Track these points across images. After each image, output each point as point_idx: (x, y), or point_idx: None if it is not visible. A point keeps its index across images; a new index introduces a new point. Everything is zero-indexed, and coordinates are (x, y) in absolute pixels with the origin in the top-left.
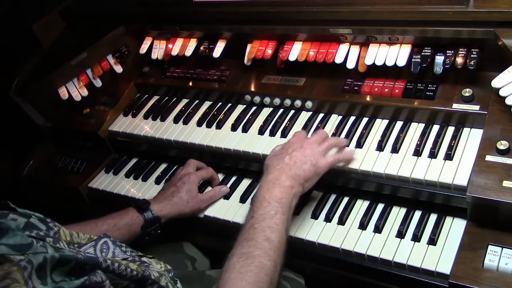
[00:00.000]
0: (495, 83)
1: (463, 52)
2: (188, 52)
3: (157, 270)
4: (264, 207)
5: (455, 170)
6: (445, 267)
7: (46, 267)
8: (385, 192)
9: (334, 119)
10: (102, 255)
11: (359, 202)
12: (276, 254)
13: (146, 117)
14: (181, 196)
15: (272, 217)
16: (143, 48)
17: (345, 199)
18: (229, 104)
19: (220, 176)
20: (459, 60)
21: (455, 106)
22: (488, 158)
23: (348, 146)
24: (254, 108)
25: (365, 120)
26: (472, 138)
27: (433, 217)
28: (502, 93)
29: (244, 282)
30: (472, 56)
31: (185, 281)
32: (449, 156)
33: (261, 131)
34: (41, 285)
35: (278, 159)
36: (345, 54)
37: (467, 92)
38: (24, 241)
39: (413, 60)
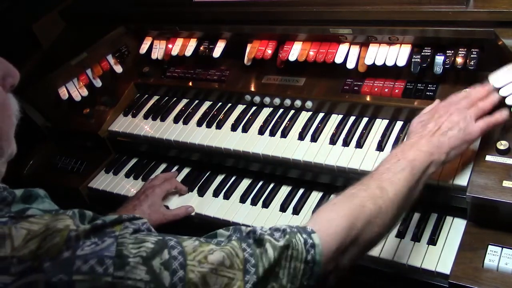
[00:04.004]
0: (493, 78)
1: (463, 52)
2: (188, 52)
3: None
4: (392, 163)
5: (455, 170)
6: (445, 267)
7: (85, 218)
8: None
9: (334, 119)
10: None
11: None
12: (386, 204)
13: (146, 117)
14: (142, 210)
15: (396, 173)
16: (143, 48)
17: None
18: (229, 104)
19: (220, 177)
20: (459, 60)
21: None
22: (488, 158)
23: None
24: (254, 108)
25: (365, 120)
26: None
27: (433, 217)
28: (502, 93)
29: (333, 213)
30: (472, 56)
31: None
32: None
33: (261, 131)
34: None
35: (423, 125)
36: (345, 54)
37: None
38: (52, 207)
39: (413, 60)
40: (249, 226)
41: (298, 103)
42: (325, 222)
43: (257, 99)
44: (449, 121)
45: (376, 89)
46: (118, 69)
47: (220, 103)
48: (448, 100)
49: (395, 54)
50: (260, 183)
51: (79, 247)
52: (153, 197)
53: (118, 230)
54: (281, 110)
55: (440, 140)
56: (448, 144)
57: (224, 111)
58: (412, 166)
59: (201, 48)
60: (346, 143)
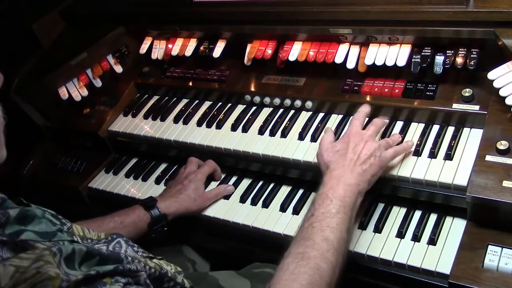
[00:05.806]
0: (492, 76)
1: (463, 52)
2: (188, 52)
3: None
4: (325, 205)
5: (455, 170)
6: (445, 267)
7: (75, 258)
8: (385, 192)
9: (334, 119)
10: (122, 252)
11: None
12: (334, 256)
13: (146, 117)
14: (188, 194)
15: (333, 216)
16: (143, 48)
17: None
18: (229, 104)
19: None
20: (459, 60)
21: (455, 106)
22: (488, 158)
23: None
24: (254, 108)
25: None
26: (472, 138)
27: (433, 217)
28: (502, 93)
29: (296, 284)
30: (472, 56)
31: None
32: (449, 156)
33: (261, 131)
34: (71, 270)
35: (341, 155)
36: (345, 54)
37: (467, 92)
38: (49, 229)
39: (413, 60)
40: (248, 226)
41: (298, 103)
42: None
43: (257, 99)
44: (367, 149)
45: (376, 89)
46: (118, 69)
47: (220, 103)
48: (356, 129)
49: (395, 54)
50: (260, 183)
51: None
52: (196, 182)
53: (108, 282)
54: (281, 110)
55: (362, 169)
56: (370, 172)
57: (224, 111)
58: (344, 204)
59: (201, 48)
60: None
